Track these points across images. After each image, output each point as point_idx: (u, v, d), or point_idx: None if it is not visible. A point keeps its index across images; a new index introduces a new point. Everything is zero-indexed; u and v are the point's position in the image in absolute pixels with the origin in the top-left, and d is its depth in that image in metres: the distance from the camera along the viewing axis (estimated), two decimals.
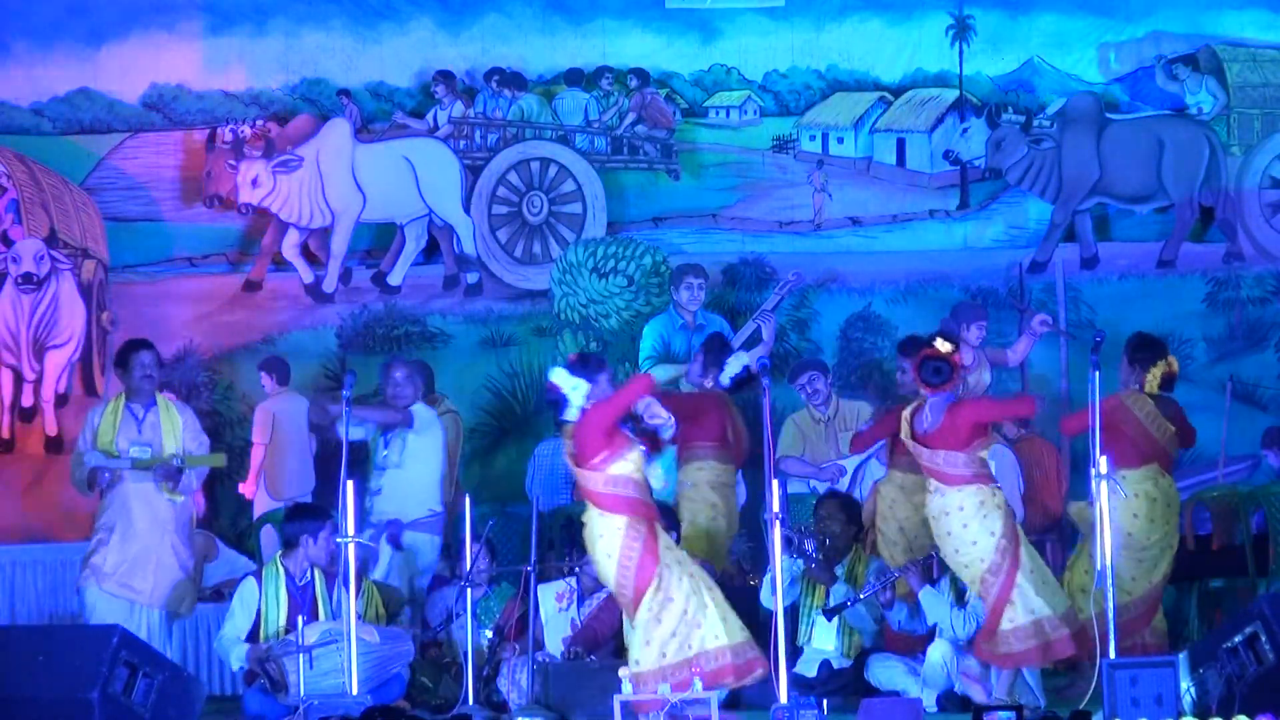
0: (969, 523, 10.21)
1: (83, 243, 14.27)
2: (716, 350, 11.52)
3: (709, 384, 11.50)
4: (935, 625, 10.79)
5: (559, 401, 10.05)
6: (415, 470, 11.78)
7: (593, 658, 10.81)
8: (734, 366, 12.02)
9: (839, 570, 11.11)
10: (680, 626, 9.80)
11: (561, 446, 13.12)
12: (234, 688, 11.69)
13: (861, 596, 10.90)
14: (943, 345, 10.35)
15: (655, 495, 10.19)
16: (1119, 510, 10.28)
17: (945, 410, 10.27)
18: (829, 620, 11.01)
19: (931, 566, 10.71)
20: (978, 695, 10.35)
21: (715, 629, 9.86)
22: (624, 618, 10.17)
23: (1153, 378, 10.85)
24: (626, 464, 9.86)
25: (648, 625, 9.79)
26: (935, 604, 10.74)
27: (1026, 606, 10.18)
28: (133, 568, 10.91)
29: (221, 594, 12.11)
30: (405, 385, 11.81)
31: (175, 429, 11.10)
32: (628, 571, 9.81)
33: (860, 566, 11.16)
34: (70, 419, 14.16)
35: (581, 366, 10.06)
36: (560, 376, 10.03)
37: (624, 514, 9.80)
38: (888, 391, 14.26)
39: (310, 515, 10.96)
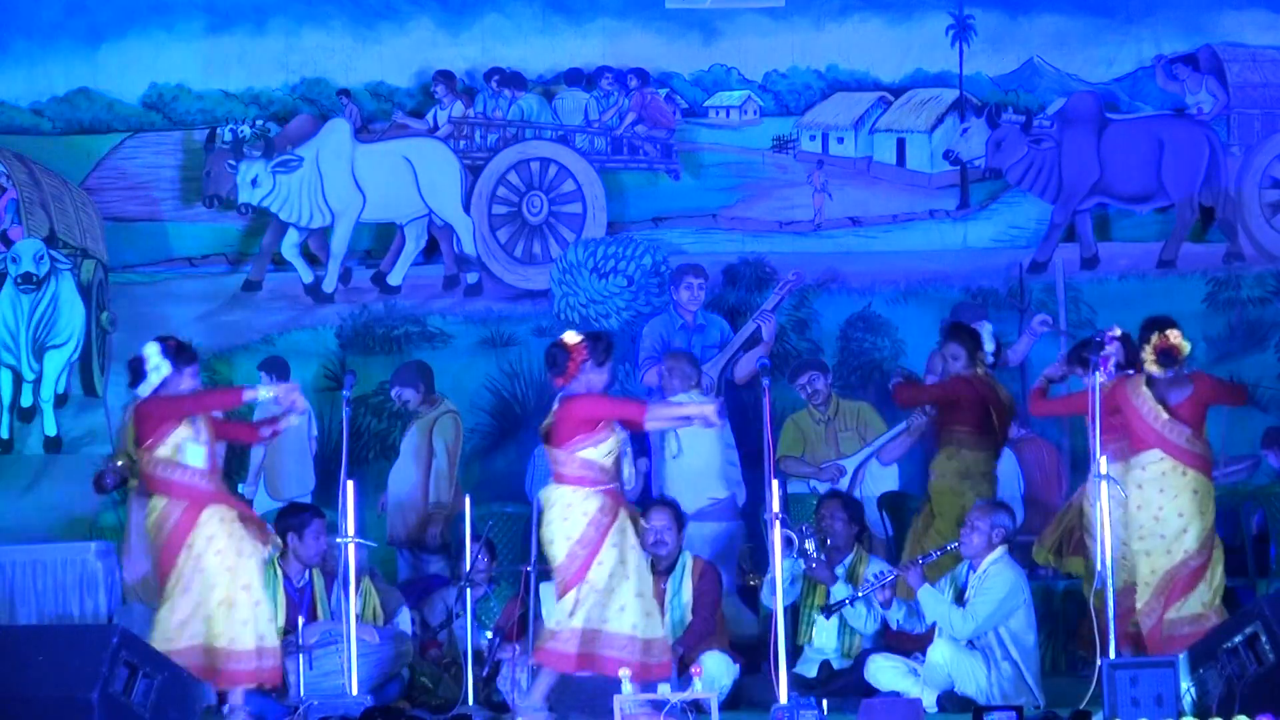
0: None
1: (83, 243, 14.26)
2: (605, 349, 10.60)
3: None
4: (935, 625, 10.81)
5: (557, 362, 10.09)
6: (692, 460, 11.96)
7: None
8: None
9: (839, 570, 11.12)
10: (593, 597, 9.92)
11: None
12: None
13: (860, 594, 10.91)
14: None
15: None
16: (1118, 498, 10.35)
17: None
18: (827, 619, 11.02)
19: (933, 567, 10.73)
20: None
21: (632, 617, 9.93)
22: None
23: (1148, 356, 10.71)
24: (598, 450, 9.93)
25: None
26: (934, 603, 10.75)
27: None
28: None
29: None
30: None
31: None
32: (576, 559, 9.91)
33: (861, 566, 11.17)
34: (70, 419, 14.18)
35: (593, 349, 10.13)
36: (573, 340, 10.14)
37: (594, 497, 9.94)
38: (888, 391, 14.29)
39: (294, 513, 10.99)
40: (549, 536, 10.07)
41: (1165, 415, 10.60)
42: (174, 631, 9.84)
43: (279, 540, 10.47)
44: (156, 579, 10.24)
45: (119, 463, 11.19)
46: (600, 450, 10.03)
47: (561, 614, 9.98)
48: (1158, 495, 10.58)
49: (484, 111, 14.86)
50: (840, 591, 11.04)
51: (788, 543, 10.19)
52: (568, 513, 10.01)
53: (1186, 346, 10.71)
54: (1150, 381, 10.71)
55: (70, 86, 14.68)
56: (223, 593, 9.93)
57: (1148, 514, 10.59)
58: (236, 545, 10.00)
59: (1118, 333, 10.89)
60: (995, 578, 10.79)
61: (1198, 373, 11.05)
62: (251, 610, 9.96)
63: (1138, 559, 10.60)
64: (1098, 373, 10.32)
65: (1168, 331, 10.75)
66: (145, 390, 10.13)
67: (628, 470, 10.40)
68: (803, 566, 11.00)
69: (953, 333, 11.89)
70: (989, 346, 11.74)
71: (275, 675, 10.06)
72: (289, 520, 10.97)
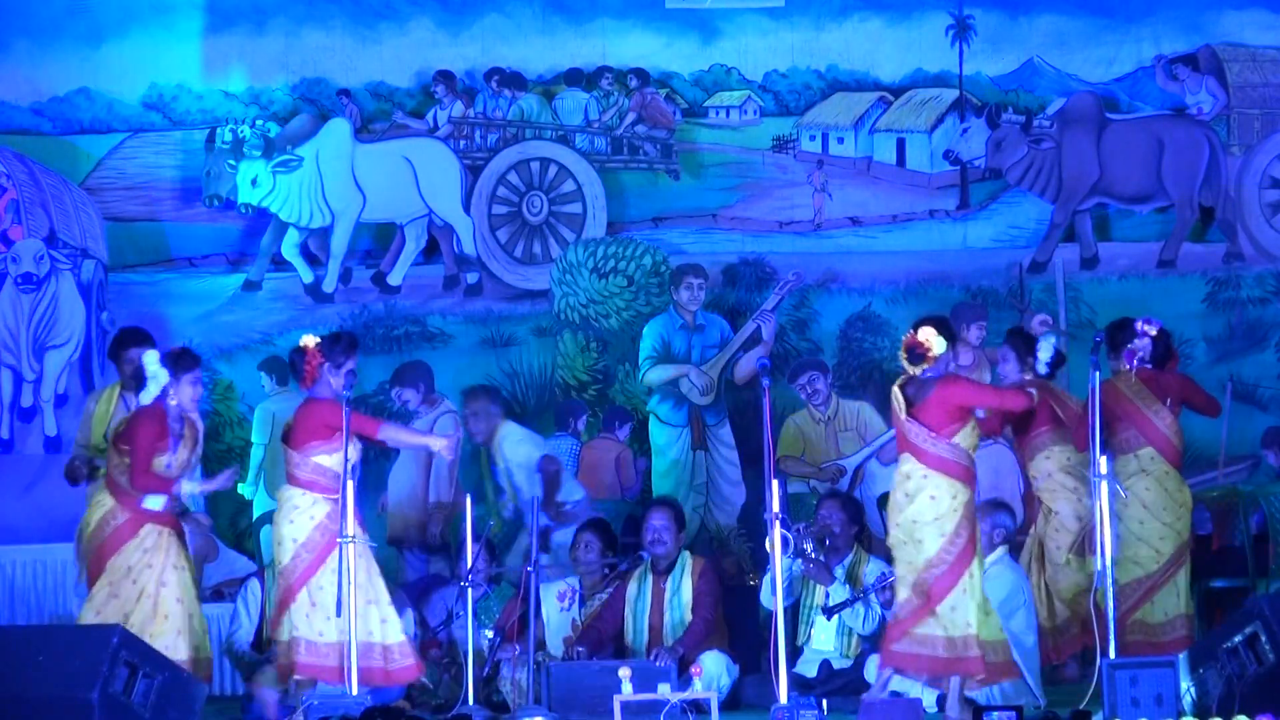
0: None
1: (82, 243, 14.25)
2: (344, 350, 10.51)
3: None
4: None
5: (296, 367, 10.24)
6: None
7: (581, 649, 10.85)
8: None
9: (839, 571, 11.11)
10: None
11: (561, 446, 13.23)
12: (234, 688, 11.70)
13: (860, 595, 10.91)
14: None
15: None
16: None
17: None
18: (829, 619, 11.02)
19: None
20: None
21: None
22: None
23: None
24: (332, 457, 10.03)
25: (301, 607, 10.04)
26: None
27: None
28: None
29: (222, 594, 12.11)
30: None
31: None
32: (301, 560, 10.02)
33: (861, 566, 11.16)
34: (70, 419, 14.16)
35: (329, 351, 10.19)
36: (309, 343, 10.21)
37: (324, 503, 10.02)
38: (888, 391, 14.28)
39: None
40: (276, 537, 10.18)
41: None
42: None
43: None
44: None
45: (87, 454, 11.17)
46: (334, 457, 10.05)
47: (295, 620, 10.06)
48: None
49: (484, 111, 14.86)
50: (840, 592, 11.03)
51: (785, 544, 10.18)
52: (295, 515, 10.10)
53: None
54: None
55: (70, 86, 14.68)
56: None
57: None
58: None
59: (1153, 331, 10.86)
60: (996, 579, 10.78)
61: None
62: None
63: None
64: (1097, 373, 10.30)
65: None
66: (147, 398, 10.15)
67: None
68: (800, 567, 10.99)
69: (1008, 336, 11.73)
70: (1044, 356, 11.34)
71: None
72: None
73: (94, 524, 10.17)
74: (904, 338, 10.02)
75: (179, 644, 10.03)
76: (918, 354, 9.92)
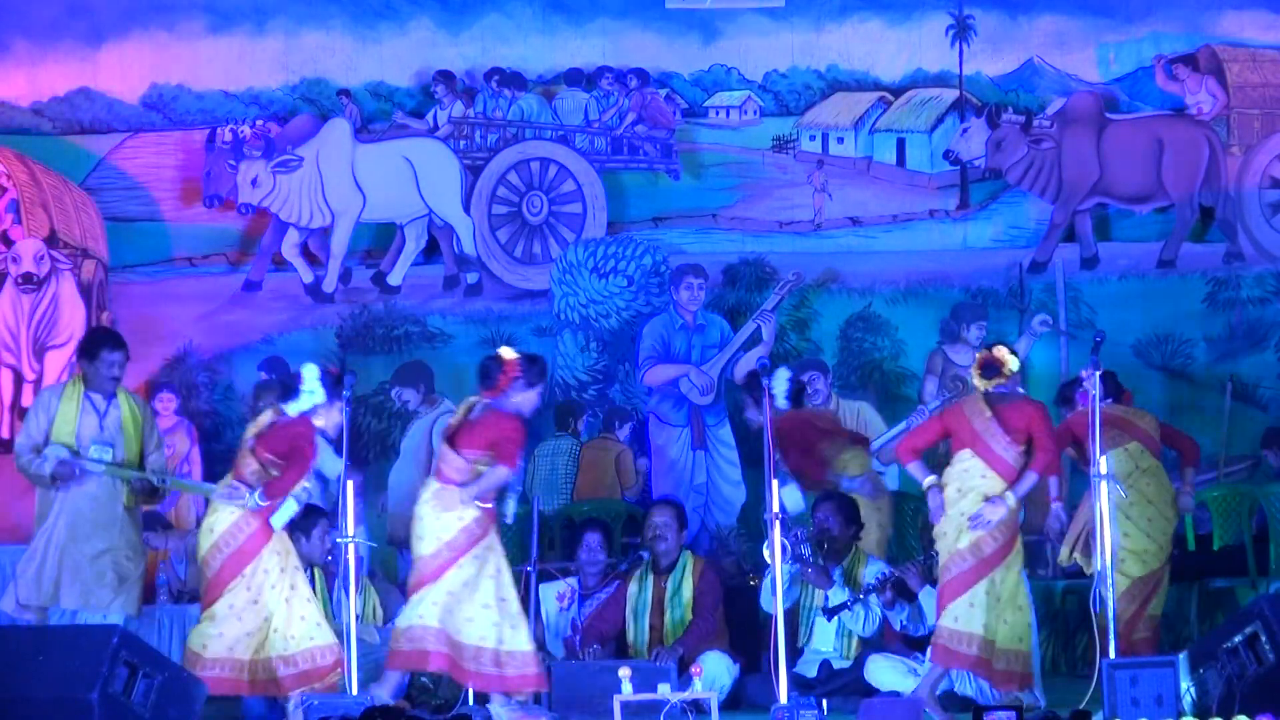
0: None
1: (83, 243, 14.25)
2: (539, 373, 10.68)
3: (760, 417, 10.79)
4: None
5: (489, 374, 10.24)
6: None
7: (596, 647, 10.85)
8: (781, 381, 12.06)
9: (836, 573, 11.11)
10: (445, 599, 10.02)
11: (562, 446, 13.23)
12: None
13: (860, 596, 10.91)
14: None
15: None
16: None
17: None
18: (829, 620, 11.02)
19: (932, 567, 10.72)
20: None
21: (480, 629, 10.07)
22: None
23: (974, 372, 10.70)
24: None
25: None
26: (934, 604, 10.74)
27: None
28: (77, 574, 10.52)
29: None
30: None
31: (138, 429, 10.65)
32: (441, 557, 10.01)
33: (859, 568, 11.16)
34: None
35: (526, 370, 10.28)
36: (509, 356, 10.30)
37: (474, 508, 10.05)
38: (888, 391, 14.30)
39: (304, 513, 10.95)
40: (418, 531, 10.14)
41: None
42: None
43: None
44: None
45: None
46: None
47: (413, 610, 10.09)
48: None
49: (484, 111, 14.86)
50: (839, 594, 11.03)
51: (783, 550, 10.20)
52: (444, 514, 10.07)
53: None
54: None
55: (70, 87, 14.68)
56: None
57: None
58: None
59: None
60: None
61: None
62: None
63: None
64: (1097, 373, 10.29)
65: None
66: (293, 410, 10.17)
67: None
68: (798, 571, 10.99)
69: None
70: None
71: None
72: (292, 521, 10.94)
73: (222, 532, 10.17)
74: (979, 354, 10.38)
75: (322, 633, 10.18)
76: (993, 369, 10.21)
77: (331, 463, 10.60)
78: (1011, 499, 10.12)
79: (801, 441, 11.44)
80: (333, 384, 10.23)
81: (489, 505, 10.10)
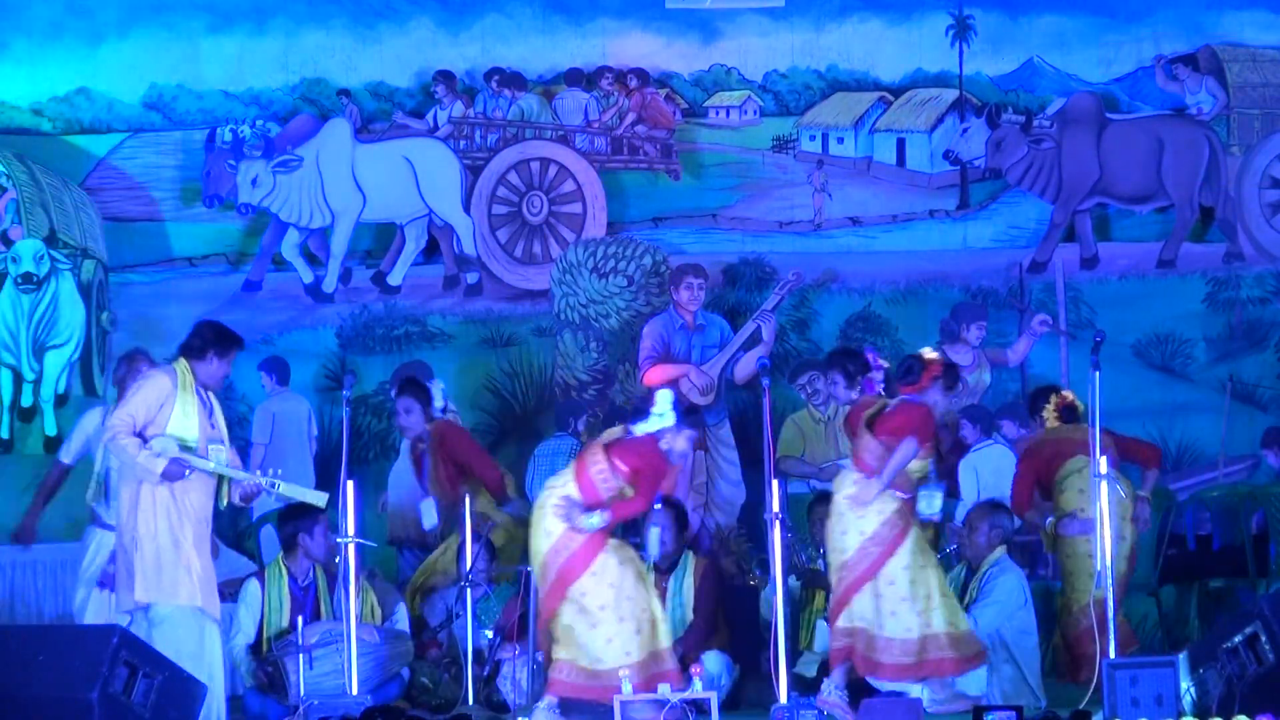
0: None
1: (82, 243, 14.25)
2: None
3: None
4: None
5: (912, 371, 10.49)
6: None
7: None
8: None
9: None
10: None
11: (562, 446, 13.22)
12: (233, 687, 11.67)
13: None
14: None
15: None
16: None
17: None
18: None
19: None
20: None
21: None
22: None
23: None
24: (915, 461, 10.36)
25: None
26: None
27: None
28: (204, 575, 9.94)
29: (222, 594, 12.09)
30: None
31: (224, 430, 10.13)
32: (868, 554, 10.24)
33: None
34: (70, 419, 14.15)
35: (946, 373, 10.60)
36: (930, 356, 10.61)
37: (889, 499, 10.31)
38: (887, 391, 14.27)
39: (303, 513, 10.95)
40: (841, 526, 10.27)
41: None
42: None
43: None
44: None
45: None
46: (917, 463, 10.34)
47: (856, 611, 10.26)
48: None
49: (484, 111, 14.86)
50: None
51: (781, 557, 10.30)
52: (864, 510, 10.24)
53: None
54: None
55: (70, 86, 14.68)
56: None
57: None
58: None
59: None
60: (996, 581, 10.79)
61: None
62: None
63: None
64: (1098, 373, 10.30)
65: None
66: (641, 430, 10.22)
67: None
68: (797, 578, 11.01)
69: (831, 358, 11.92)
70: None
71: None
72: (299, 521, 10.95)
73: (559, 537, 10.20)
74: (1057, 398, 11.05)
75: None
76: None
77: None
78: None
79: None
80: (687, 413, 10.41)
81: (908, 496, 10.32)
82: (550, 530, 10.16)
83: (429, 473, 11.90)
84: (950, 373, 10.64)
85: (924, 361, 10.47)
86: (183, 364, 9.90)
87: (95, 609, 10.85)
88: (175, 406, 9.75)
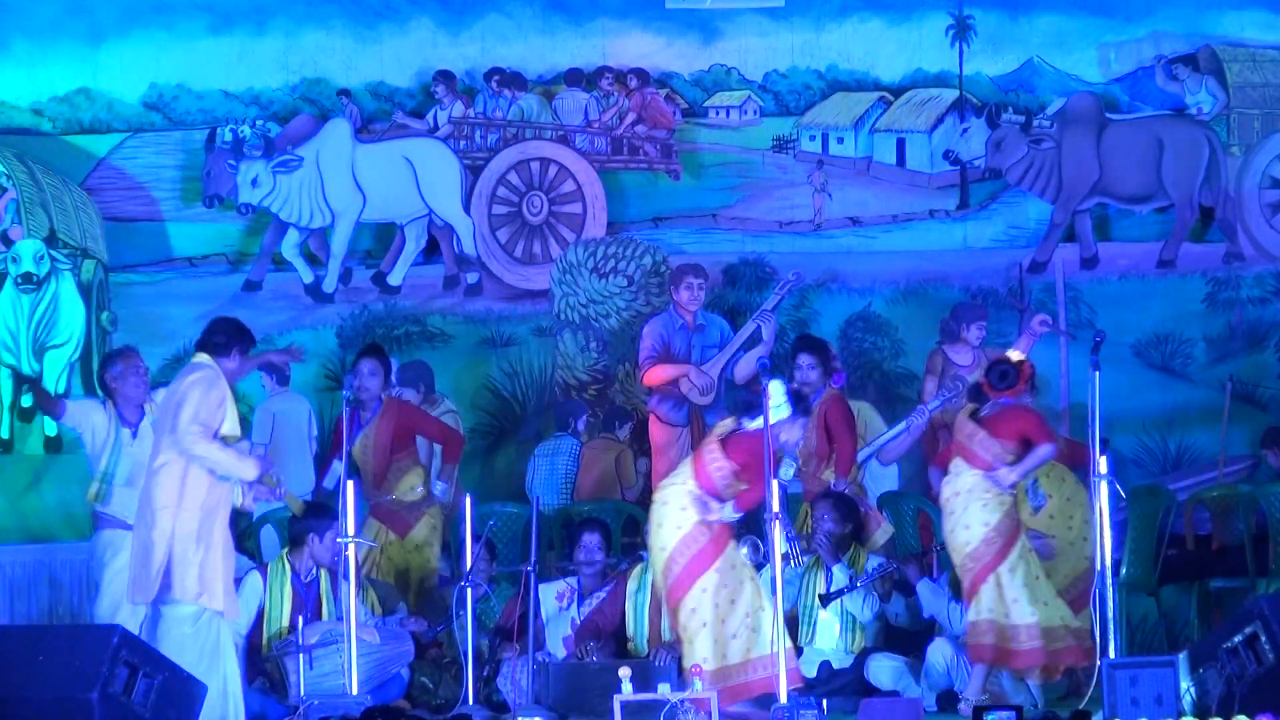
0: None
1: (82, 243, 14.26)
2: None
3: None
4: (933, 621, 10.83)
5: (1007, 376, 10.72)
6: None
7: (594, 643, 10.84)
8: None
9: (837, 570, 11.12)
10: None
11: (562, 446, 13.23)
12: None
13: (859, 585, 10.93)
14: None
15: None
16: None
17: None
18: (824, 606, 11.02)
19: (931, 562, 10.74)
20: None
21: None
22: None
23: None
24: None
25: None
26: (933, 598, 10.76)
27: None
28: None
29: None
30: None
31: None
32: (992, 545, 10.49)
33: (860, 565, 11.16)
34: (70, 419, 14.15)
35: (1032, 378, 10.93)
36: (1018, 357, 10.90)
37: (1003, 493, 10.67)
38: (888, 391, 14.30)
39: (317, 514, 10.97)
40: (965, 520, 10.50)
41: None
42: None
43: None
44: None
45: None
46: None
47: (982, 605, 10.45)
48: None
49: (484, 111, 14.86)
50: (839, 579, 11.05)
51: (757, 548, 10.30)
52: (987, 500, 10.49)
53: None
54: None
55: (70, 86, 14.67)
56: None
57: None
58: None
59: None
60: None
61: None
62: None
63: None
64: (1098, 373, 10.30)
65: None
66: (757, 425, 10.11)
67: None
68: (793, 565, 11.00)
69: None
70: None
71: None
72: (309, 521, 10.96)
73: (690, 530, 10.24)
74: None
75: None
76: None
77: None
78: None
79: None
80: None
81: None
82: (681, 524, 10.21)
83: (359, 437, 11.73)
84: (1035, 372, 10.95)
85: (1018, 366, 10.71)
86: (212, 362, 9.84)
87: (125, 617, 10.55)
88: (228, 406, 9.72)
